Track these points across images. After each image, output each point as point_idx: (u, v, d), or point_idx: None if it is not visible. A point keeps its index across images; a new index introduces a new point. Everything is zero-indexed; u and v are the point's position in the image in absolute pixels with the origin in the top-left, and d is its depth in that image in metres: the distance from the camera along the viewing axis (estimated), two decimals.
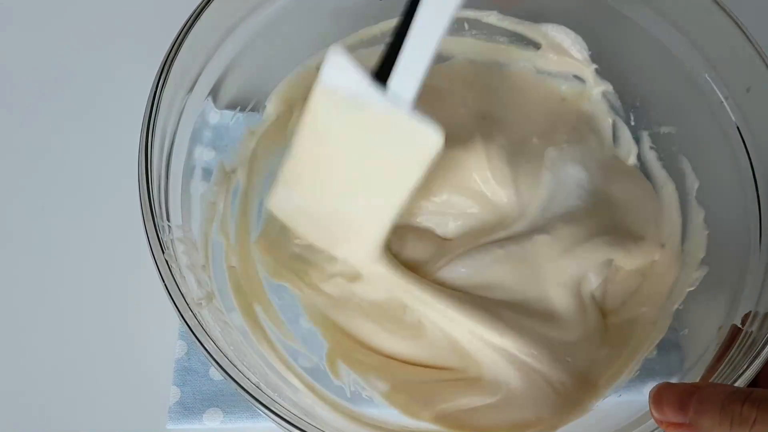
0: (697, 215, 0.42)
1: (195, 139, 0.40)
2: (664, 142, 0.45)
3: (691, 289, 0.40)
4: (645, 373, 0.39)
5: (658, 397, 0.28)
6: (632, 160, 0.46)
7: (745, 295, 0.37)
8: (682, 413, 0.27)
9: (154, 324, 0.42)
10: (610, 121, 0.47)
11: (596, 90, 0.47)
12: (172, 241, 0.35)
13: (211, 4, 0.37)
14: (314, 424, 0.31)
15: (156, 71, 0.36)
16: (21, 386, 0.42)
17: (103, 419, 0.41)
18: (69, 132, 0.49)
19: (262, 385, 0.32)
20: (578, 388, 0.38)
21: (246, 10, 0.41)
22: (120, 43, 0.52)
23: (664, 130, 0.45)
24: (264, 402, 0.31)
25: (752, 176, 0.38)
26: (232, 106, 0.43)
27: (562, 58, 0.47)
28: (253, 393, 0.31)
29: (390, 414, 0.38)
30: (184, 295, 0.32)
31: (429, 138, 0.32)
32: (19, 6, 0.53)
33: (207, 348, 0.31)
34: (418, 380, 0.39)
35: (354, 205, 0.36)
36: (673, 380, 0.36)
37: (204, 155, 0.42)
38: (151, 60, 0.36)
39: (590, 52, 0.45)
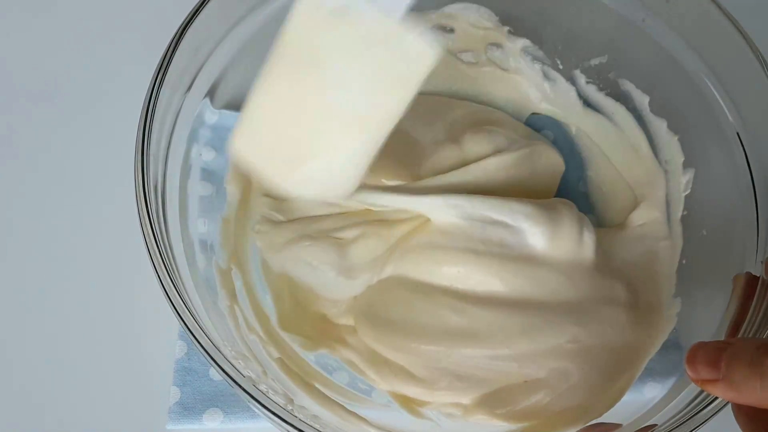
0: (659, 126, 0.43)
1: (192, 139, 0.40)
2: (598, 73, 0.46)
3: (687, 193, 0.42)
4: (645, 372, 0.39)
5: (692, 357, 0.28)
6: (574, 99, 0.47)
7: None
8: (715, 369, 0.27)
9: (154, 324, 0.42)
10: (538, 67, 0.48)
11: (515, 47, 0.47)
12: (169, 241, 0.35)
13: (208, 5, 0.37)
14: (314, 425, 0.31)
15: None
16: (21, 387, 0.42)
17: (103, 420, 0.41)
18: (69, 134, 0.49)
19: (261, 386, 0.32)
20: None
21: (244, 10, 0.40)
22: (119, 44, 0.52)
23: (594, 62, 0.46)
24: (264, 403, 0.31)
25: (750, 177, 0.38)
26: (229, 107, 0.43)
27: (478, 32, 0.47)
28: (252, 393, 0.31)
29: (391, 415, 0.38)
30: (182, 295, 0.32)
31: (423, 50, 0.30)
32: (17, 7, 0.53)
33: (206, 349, 0.31)
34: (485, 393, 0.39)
35: (335, 131, 0.33)
36: (671, 380, 0.37)
37: (202, 155, 0.42)
38: (151, 61, 0.36)
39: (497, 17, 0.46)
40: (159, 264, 0.32)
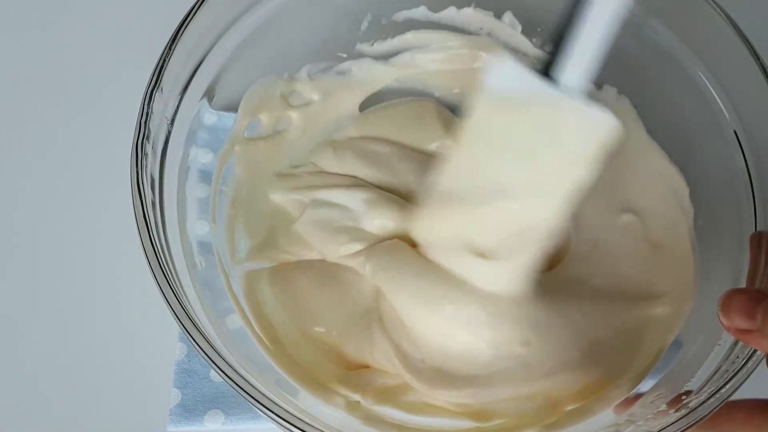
0: None
1: (190, 140, 0.40)
2: None
3: None
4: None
5: (727, 305, 0.28)
6: None
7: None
8: (750, 320, 0.27)
9: (154, 326, 0.42)
10: None
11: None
12: (167, 243, 0.35)
13: (204, 6, 0.37)
14: (315, 425, 0.31)
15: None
16: (22, 389, 0.42)
17: (104, 422, 0.41)
18: (67, 137, 0.49)
19: (260, 387, 0.32)
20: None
21: (239, 11, 0.40)
22: (118, 45, 0.52)
23: None
24: (264, 404, 0.30)
25: (747, 176, 0.38)
26: (229, 108, 0.43)
27: None
28: (252, 395, 0.30)
29: (391, 412, 0.38)
30: (179, 298, 0.31)
31: (606, 123, 0.32)
32: (17, 9, 0.53)
33: (205, 352, 0.31)
34: None
35: (514, 209, 0.35)
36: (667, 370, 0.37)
37: (200, 157, 0.41)
38: (150, 63, 0.36)
39: None
40: (156, 267, 0.32)
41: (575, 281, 0.41)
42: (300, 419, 0.30)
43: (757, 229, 0.37)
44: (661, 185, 0.43)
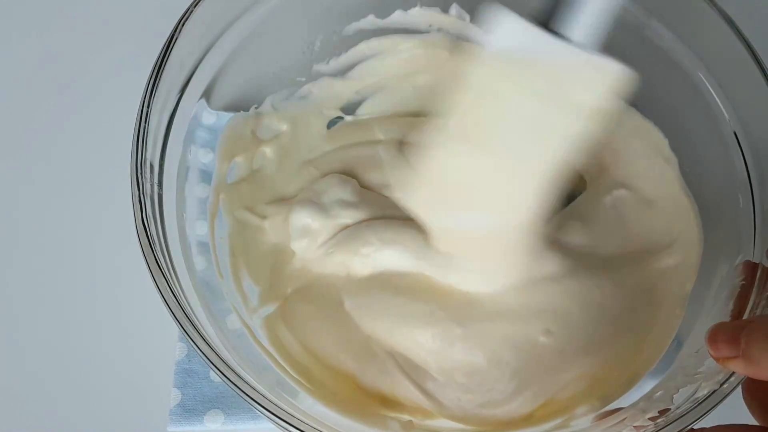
0: None
1: (189, 140, 0.40)
2: None
3: None
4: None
5: (713, 336, 0.29)
6: None
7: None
8: (734, 346, 0.28)
9: (154, 326, 0.42)
10: None
11: None
12: (167, 243, 0.35)
13: (200, 6, 0.37)
14: (314, 426, 0.31)
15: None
16: (21, 389, 0.42)
17: (103, 422, 0.41)
18: (67, 138, 0.49)
19: (260, 388, 0.32)
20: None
21: (238, 9, 0.40)
22: (117, 45, 0.52)
23: None
24: (263, 404, 0.31)
25: (747, 176, 0.38)
26: (227, 108, 0.43)
27: None
28: (252, 396, 0.30)
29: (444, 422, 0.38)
30: (178, 298, 0.32)
31: (615, 71, 0.31)
32: (17, 9, 0.53)
33: (204, 353, 0.31)
34: None
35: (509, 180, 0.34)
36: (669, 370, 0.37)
37: (199, 157, 0.41)
38: (148, 64, 0.36)
39: None
40: (155, 268, 0.32)
41: (581, 256, 0.40)
42: (299, 420, 0.31)
43: (756, 230, 0.37)
44: (638, 141, 0.43)
